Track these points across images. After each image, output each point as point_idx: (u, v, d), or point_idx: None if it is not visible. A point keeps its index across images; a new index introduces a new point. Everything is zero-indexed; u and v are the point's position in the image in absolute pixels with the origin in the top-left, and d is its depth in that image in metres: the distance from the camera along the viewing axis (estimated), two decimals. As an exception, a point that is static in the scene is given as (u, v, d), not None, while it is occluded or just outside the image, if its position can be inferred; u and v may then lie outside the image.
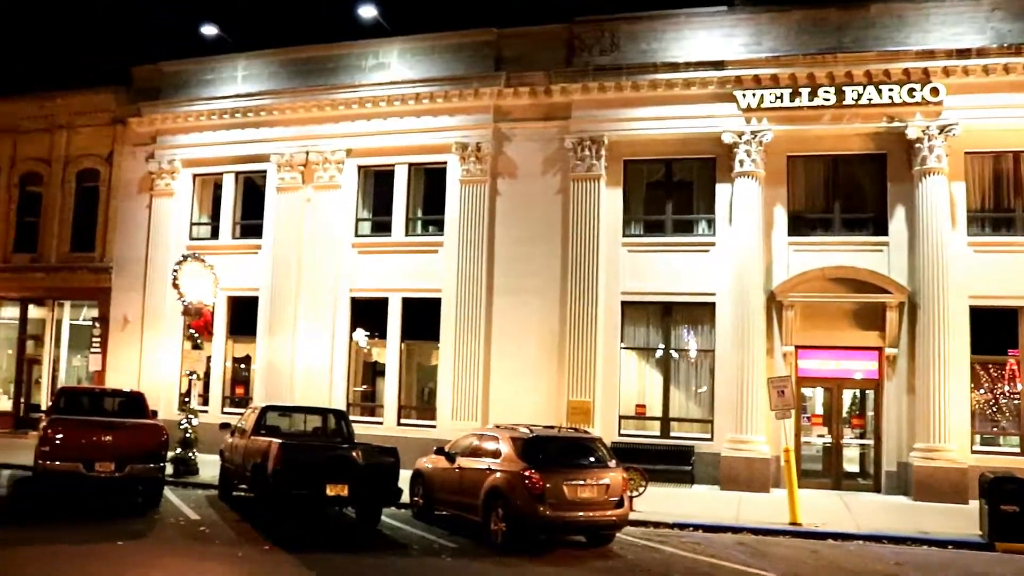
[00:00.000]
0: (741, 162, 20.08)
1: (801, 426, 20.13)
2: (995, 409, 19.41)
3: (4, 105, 28.17)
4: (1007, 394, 19.30)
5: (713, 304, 20.45)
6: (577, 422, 19.06)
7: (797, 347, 19.92)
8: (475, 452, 14.09)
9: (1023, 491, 13.84)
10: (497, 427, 14.92)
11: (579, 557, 12.54)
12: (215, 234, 24.98)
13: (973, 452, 18.74)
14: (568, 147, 21.15)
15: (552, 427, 15.26)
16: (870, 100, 19.37)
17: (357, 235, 23.29)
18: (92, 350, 25.03)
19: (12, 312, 27.71)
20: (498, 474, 13.02)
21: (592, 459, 13.36)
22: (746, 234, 20.00)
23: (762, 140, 20.03)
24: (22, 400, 26.51)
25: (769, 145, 20.09)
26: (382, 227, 23.25)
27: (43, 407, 19.96)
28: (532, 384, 20.85)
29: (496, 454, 13.45)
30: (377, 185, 23.57)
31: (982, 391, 19.39)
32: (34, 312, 27.23)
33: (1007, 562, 13.17)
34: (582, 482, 12.69)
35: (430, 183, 23.01)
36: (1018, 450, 18.89)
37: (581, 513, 12.61)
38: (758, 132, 20.02)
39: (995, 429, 19.40)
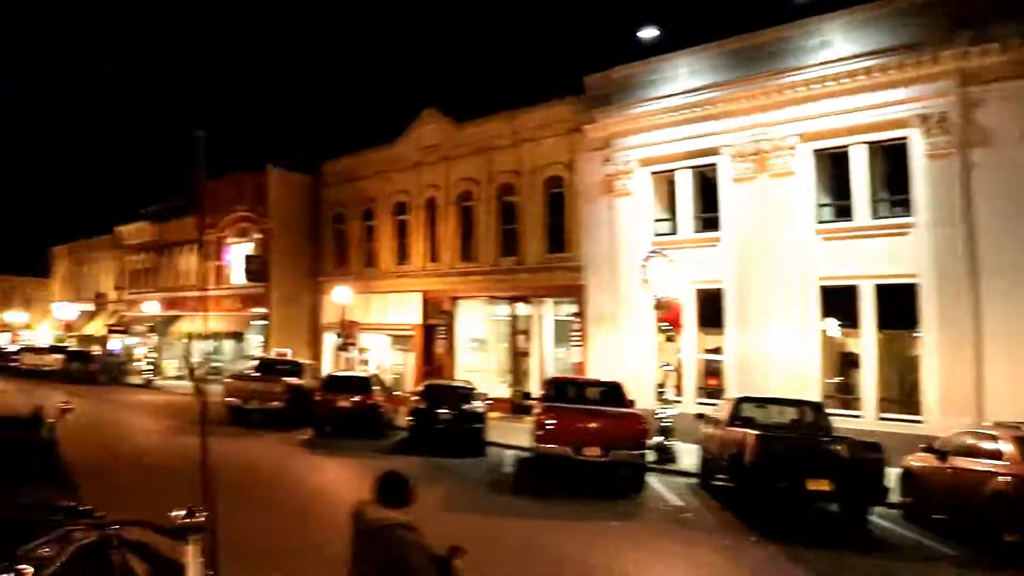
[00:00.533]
0: None
1: None
2: None
3: (480, 126, 32.14)
4: None
5: None
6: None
7: None
8: (970, 452, 13.01)
9: None
10: (997, 425, 13.59)
11: None
12: (674, 229, 25.77)
13: None
14: (1056, 103, 18.41)
15: (1071, 428, 13.52)
16: None
17: (818, 221, 22.46)
18: (572, 343, 27.51)
19: (504, 310, 31.50)
20: (1002, 478, 11.89)
21: None
22: None
23: None
24: (516, 388, 30.00)
25: None
26: (843, 211, 22.20)
27: (533, 395, 22.46)
28: (1035, 376, 18.39)
29: (996, 455, 12.31)
30: (833, 167, 22.60)
31: None
32: (521, 309, 30.59)
33: None
34: (1119, 493, 11.08)
35: (891, 162, 21.45)
36: None
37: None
38: None
39: None
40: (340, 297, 33.57)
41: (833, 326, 22.19)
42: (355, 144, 38.56)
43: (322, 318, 39.33)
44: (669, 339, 21.55)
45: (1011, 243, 18.93)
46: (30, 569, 2.57)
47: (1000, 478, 11.91)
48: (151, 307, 43.82)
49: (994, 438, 12.65)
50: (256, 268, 40.12)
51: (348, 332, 33.60)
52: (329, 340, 38.78)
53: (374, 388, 24.17)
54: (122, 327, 51.60)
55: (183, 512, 2.64)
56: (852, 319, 21.59)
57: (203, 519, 2.66)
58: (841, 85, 21.60)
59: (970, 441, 13.24)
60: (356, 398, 23.24)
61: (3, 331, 76.45)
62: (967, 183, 19.63)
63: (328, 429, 22.99)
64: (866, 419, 20.65)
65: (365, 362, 35.12)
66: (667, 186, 26.22)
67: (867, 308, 21.22)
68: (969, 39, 19.50)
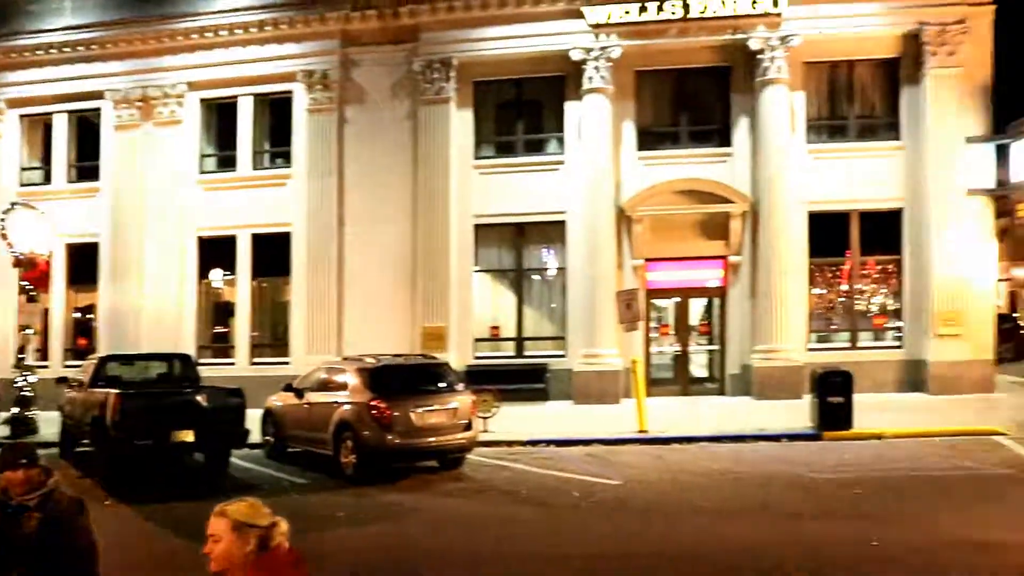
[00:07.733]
0: (590, 79, 19.65)
1: (651, 337, 20.44)
2: (829, 308, 20.11)
3: None
4: (841, 293, 19.96)
5: (564, 222, 20.28)
6: (431, 348, 18.75)
7: (646, 260, 20.01)
8: (324, 386, 13.75)
9: (847, 383, 14.58)
10: (345, 359, 14.63)
11: (430, 481, 12.53)
12: (47, 179, 23.40)
13: (808, 350, 19.20)
14: (417, 70, 20.39)
15: (400, 355, 15.06)
16: (715, 13, 19.10)
17: (201, 172, 22.22)
18: None
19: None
20: (346, 406, 12.79)
21: (440, 384, 13.30)
22: (595, 151, 19.75)
23: (610, 56, 19.59)
24: None
25: (618, 61, 19.65)
26: (227, 162, 22.21)
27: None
28: (388, 314, 20.42)
29: (344, 386, 13.18)
30: (221, 119, 22.38)
31: (818, 292, 19.97)
32: None
33: (831, 449, 13.86)
34: (430, 408, 12.63)
35: (276, 114, 21.99)
36: (848, 345, 19.58)
37: (430, 439, 12.57)
38: (607, 48, 19.58)
39: (830, 327, 20.09)
40: None
41: (218, 277, 22.24)
42: None
43: None
44: (32, 299, 19.36)
45: (371, 197, 20.82)
46: None
47: (345, 407, 12.79)
48: None
49: (343, 371, 13.54)
50: None
51: None
52: None
53: None
54: None
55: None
56: (231, 269, 21.84)
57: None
58: (234, 36, 21.47)
59: (324, 376, 13.98)
60: None
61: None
62: (341, 138, 21.04)
63: None
64: (239, 366, 21.19)
65: None
66: (43, 131, 23.74)
67: (244, 258, 21.67)
68: (352, 3, 20.62)
